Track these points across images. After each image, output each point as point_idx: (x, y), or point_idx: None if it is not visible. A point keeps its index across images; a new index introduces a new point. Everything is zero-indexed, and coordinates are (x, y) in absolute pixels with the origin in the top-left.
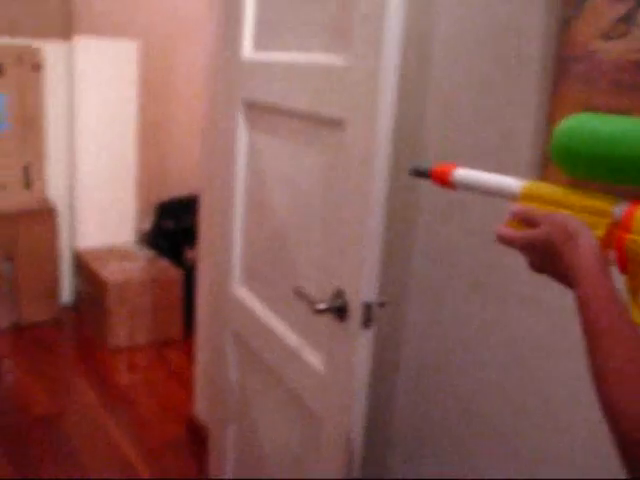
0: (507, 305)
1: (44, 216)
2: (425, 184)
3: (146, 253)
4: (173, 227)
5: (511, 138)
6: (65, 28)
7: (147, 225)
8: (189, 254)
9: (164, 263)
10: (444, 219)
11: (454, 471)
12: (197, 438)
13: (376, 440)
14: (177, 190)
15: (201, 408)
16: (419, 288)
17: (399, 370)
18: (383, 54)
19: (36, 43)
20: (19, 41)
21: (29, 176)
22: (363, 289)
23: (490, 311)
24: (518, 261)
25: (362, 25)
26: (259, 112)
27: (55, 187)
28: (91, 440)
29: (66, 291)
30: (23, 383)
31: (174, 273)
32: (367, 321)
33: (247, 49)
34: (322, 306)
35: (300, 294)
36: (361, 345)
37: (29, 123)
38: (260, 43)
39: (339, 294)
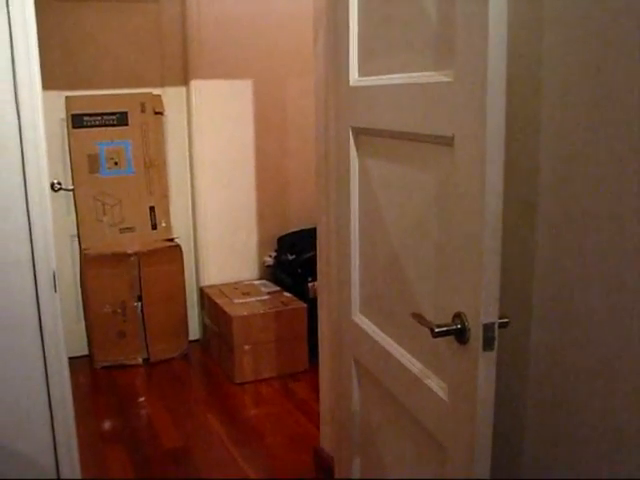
0: None
1: (170, 255)
2: (542, 191)
3: (269, 287)
4: (295, 260)
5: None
6: (182, 74)
7: (269, 259)
8: (312, 286)
9: (287, 296)
10: (565, 233)
11: None
12: (324, 469)
13: (506, 465)
14: (298, 223)
15: (327, 439)
16: (542, 307)
17: (527, 393)
18: (489, 65)
19: (157, 90)
20: (141, 90)
21: (155, 217)
22: (483, 310)
23: (626, 329)
24: None
25: (465, 38)
26: (368, 137)
27: (179, 226)
28: (219, 472)
29: (193, 327)
30: (154, 417)
31: (297, 306)
32: (488, 343)
33: (353, 77)
34: (441, 329)
35: (418, 318)
36: (483, 367)
37: (153, 166)
38: (364, 69)
39: (458, 316)
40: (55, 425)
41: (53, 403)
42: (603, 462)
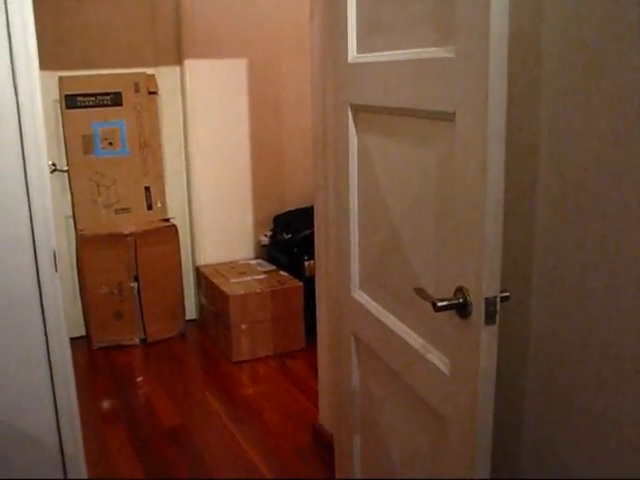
0: None
1: (166, 235)
2: (542, 165)
3: (266, 266)
4: (291, 239)
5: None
6: (176, 54)
7: (265, 238)
8: (308, 265)
9: (284, 275)
10: (565, 207)
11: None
12: (323, 445)
13: (505, 440)
14: (294, 202)
15: (326, 416)
16: (543, 282)
17: (527, 368)
18: (491, 40)
19: (150, 70)
20: (134, 70)
21: (151, 197)
22: (484, 284)
23: (628, 305)
24: None
25: (467, 13)
26: (367, 115)
27: (174, 206)
28: (219, 450)
29: (190, 307)
30: (153, 397)
31: (294, 284)
32: (490, 316)
33: (352, 54)
34: (443, 303)
35: (420, 293)
36: (485, 342)
37: (147, 146)
38: (362, 46)
39: (460, 291)
40: (58, 405)
41: (56, 383)
42: (603, 438)
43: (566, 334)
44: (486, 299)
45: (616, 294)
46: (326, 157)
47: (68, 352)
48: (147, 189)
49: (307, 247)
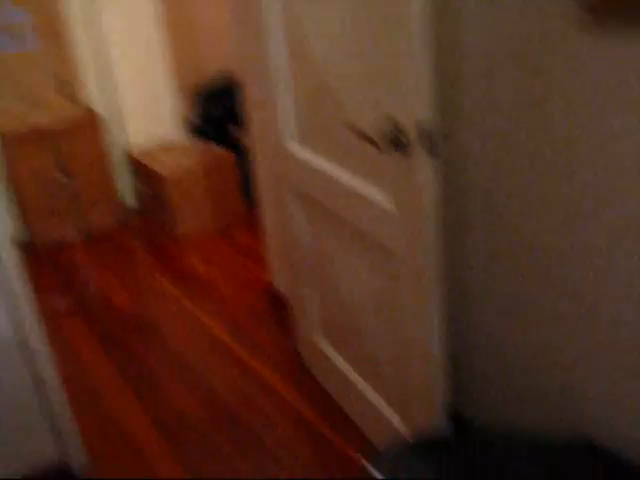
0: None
1: (91, 125)
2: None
3: (195, 142)
4: (215, 111)
5: None
6: None
7: (190, 113)
8: (235, 133)
9: (214, 148)
10: (493, 30)
11: (527, 333)
12: (280, 307)
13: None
14: (215, 69)
15: (279, 279)
16: (476, 114)
17: (467, 204)
18: None
19: None
20: None
21: (70, 89)
22: (417, 111)
23: (568, 129)
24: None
25: None
26: None
27: (96, 94)
28: (181, 328)
29: (128, 195)
30: (107, 288)
31: (225, 156)
32: (429, 148)
33: None
34: (377, 135)
35: (352, 129)
36: (426, 174)
37: (57, 37)
38: None
39: (394, 123)
40: (15, 303)
41: (7, 284)
42: (547, 289)
43: (504, 161)
44: (419, 127)
45: (546, 114)
46: (245, 17)
47: (12, 249)
48: (65, 82)
49: (233, 115)
